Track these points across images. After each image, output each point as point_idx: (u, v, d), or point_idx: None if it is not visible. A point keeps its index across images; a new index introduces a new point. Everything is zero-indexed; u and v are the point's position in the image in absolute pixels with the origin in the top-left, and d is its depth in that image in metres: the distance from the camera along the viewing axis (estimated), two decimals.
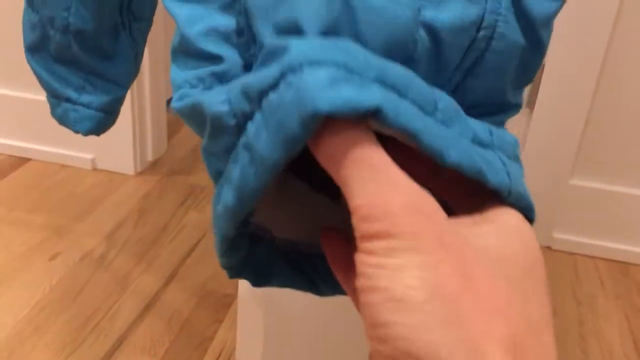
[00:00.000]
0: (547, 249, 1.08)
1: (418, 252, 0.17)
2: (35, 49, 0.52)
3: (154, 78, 1.21)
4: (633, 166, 1.03)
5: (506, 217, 0.20)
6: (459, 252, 0.18)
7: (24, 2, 0.50)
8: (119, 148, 1.19)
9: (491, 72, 0.21)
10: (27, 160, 1.23)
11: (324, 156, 0.17)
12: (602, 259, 1.07)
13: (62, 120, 0.56)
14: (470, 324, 0.17)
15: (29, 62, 0.53)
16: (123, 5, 0.50)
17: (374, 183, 0.17)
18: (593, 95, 0.99)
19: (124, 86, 0.54)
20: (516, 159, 0.22)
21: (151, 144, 1.24)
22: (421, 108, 0.18)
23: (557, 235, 1.07)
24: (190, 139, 1.37)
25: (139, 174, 1.22)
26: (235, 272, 0.23)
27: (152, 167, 1.25)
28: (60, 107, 0.55)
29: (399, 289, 0.17)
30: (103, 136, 0.56)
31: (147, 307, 0.87)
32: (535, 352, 0.18)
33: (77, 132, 0.56)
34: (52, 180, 1.17)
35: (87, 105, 0.55)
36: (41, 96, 0.56)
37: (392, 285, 0.17)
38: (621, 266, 1.05)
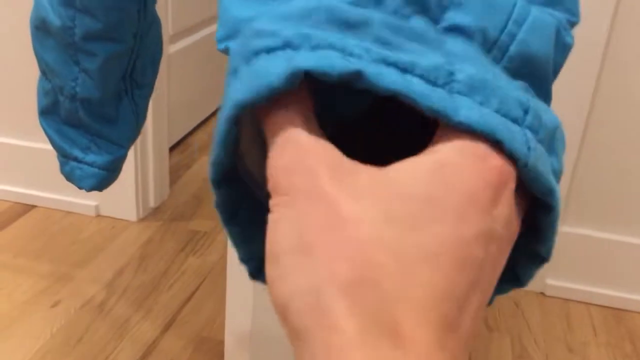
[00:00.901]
0: (540, 295, 1.10)
1: (289, 207, 0.18)
2: (47, 113, 0.57)
3: (157, 125, 1.25)
4: (623, 213, 1.05)
5: (446, 152, 0.19)
6: (334, 201, 0.18)
7: (39, 71, 0.54)
8: (122, 195, 1.23)
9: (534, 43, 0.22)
10: (33, 207, 1.26)
11: (264, 124, 0.20)
12: (595, 305, 1.08)
13: (69, 177, 0.60)
14: (318, 271, 0.17)
15: (41, 124, 0.57)
16: (126, 74, 0.54)
17: (275, 147, 0.19)
18: (581, 142, 1.02)
19: (126, 147, 0.58)
20: (548, 144, 0.21)
21: (153, 190, 1.28)
22: (426, 79, 0.19)
23: (551, 282, 1.09)
24: (192, 184, 1.40)
25: (141, 220, 1.25)
26: (227, 216, 0.23)
27: (154, 213, 1.28)
28: (68, 165, 0.59)
29: (271, 242, 0.18)
30: None
31: (145, 355, 0.89)
32: (389, 290, 0.16)
33: (81, 188, 0.60)
34: (56, 227, 1.20)
35: (91, 164, 0.58)
36: (46, 145, 0.59)
37: (269, 238, 0.18)
38: (614, 313, 1.06)
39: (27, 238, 1.16)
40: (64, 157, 0.59)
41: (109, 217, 1.24)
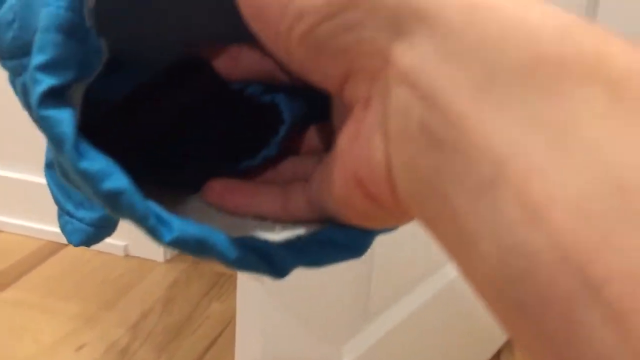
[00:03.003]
0: None
1: None
2: (51, 167, 0.59)
3: None
4: None
5: None
6: None
7: None
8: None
9: None
10: (65, 246, 1.29)
11: None
12: None
13: (62, 229, 0.61)
14: None
15: (45, 176, 0.60)
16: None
17: None
18: None
19: None
20: None
21: None
22: None
23: None
24: None
25: (168, 261, 1.26)
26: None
27: (181, 254, 1.29)
28: (62, 218, 0.60)
29: None
30: None
31: None
32: None
33: (70, 242, 0.61)
34: (87, 267, 1.22)
35: (80, 220, 0.60)
36: None
37: None
38: None
39: (57, 278, 1.18)
40: (60, 210, 0.61)
41: (137, 257, 1.26)
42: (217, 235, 0.20)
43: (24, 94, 0.20)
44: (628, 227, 0.12)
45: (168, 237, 0.20)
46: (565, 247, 0.12)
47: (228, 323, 1.08)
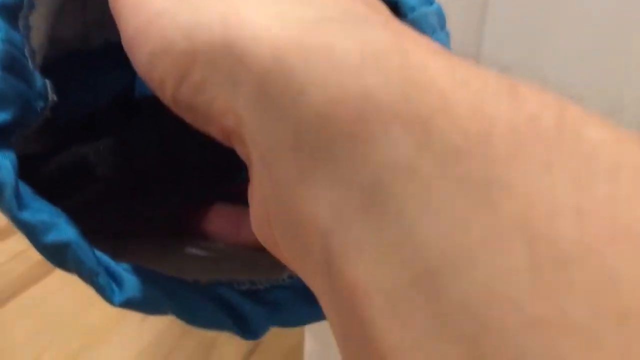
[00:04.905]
0: None
1: None
2: None
3: None
4: None
5: None
6: None
7: None
8: None
9: None
10: None
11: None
12: None
13: None
14: None
15: None
16: None
17: None
18: None
19: None
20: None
21: None
22: None
23: None
24: None
25: None
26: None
27: None
28: None
29: None
30: None
31: None
32: None
33: None
34: None
35: None
36: None
37: None
38: None
39: None
40: None
41: None
42: (181, 291, 0.20)
43: None
44: (436, 332, 0.11)
45: (118, 299, 0.20)
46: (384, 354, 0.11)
47: None
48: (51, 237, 0.17)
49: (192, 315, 0.19)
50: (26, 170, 0.19)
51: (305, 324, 0.21)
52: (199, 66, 0.15)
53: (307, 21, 0.14)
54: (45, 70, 0.20)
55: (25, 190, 0.18)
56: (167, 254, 0.22)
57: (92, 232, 0.22)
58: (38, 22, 0.19)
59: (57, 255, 0.18)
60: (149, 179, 0.23)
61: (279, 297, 0.21)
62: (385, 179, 0.12)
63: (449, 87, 0.12)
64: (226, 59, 0.15)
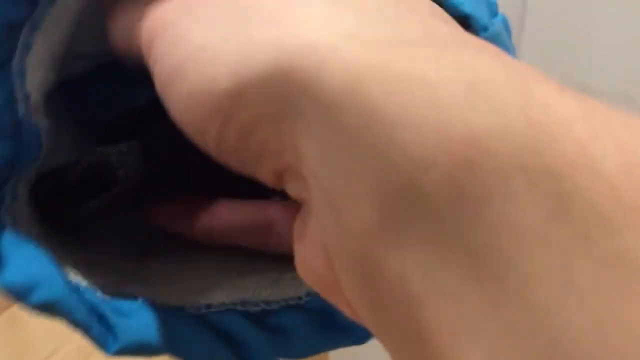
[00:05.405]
0: None
1: None
2: None
3: None
4: None
5: None
6: None
7: None
8: None
9: None
10: None
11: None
12: None
13: None
14: None
15: None
16: None
17: None
18: None
19: None
20: None
21: None
22: None
23: None
24: None
25: None
26: None
27: None
28: None
29: None
30: None
31: None
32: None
33: None
34: None
35: None
36: None
37: None
38: None
39: None
40: None
41: None
42: (178, 325, 0.19)
43: None
44: None
45: (112, 348, 0.18)
46: None
47: None
48: (37, 297, 0.16)
49: (187, 350, 0.18)
50: (57, 176, 0.19)
51: (313, 354, 0.19)
52: (248, 104, 0.13)
53: (384, 43, 0.12)
54: (70, 85, 0.19)
55: (8, 238, 0.16)
56: (187, 269, 0.21)
57: (111, 245, 0.21)
58: (44, 41, 0.17)
59: (46, 312, 0.17)
60: (163, 188, 0.22)
61: (290, 322, 0.19)
62: (503, 246, 0.09)
63: (587, 136, 0.09)
64: (283, 90, 0.12)
